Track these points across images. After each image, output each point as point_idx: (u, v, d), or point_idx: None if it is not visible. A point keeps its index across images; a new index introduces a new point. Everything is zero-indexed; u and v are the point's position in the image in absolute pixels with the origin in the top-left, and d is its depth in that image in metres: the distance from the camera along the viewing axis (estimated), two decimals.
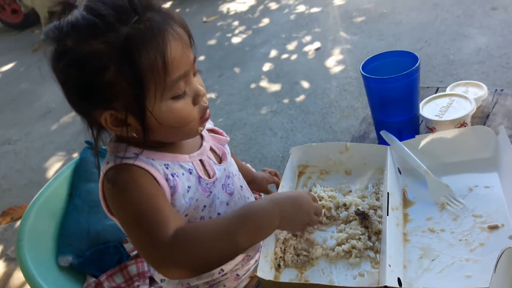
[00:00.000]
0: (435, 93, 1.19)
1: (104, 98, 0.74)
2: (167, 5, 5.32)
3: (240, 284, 1.02)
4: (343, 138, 2.52)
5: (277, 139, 2.70)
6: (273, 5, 4.75)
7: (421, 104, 1.10)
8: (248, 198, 0.99)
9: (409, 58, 1.01)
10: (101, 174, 0.82)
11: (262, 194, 1.27)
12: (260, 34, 4.18)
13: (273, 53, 3.77)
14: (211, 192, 0.88)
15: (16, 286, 2.15)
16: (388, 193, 0.86)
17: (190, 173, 0.86)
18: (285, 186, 0.98)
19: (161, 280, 1.00)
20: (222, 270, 0.95)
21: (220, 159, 0.96)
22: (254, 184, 1.19)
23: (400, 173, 0.99)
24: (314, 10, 4.35)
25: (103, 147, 0.86)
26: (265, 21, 4.45)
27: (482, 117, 1.13)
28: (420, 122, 1.13)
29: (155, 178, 0.80)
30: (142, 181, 0.78)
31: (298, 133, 2.70)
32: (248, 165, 1.41)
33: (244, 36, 4.27)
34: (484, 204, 0.87)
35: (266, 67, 3.58)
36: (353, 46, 3.45)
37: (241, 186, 0.98)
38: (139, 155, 0.80)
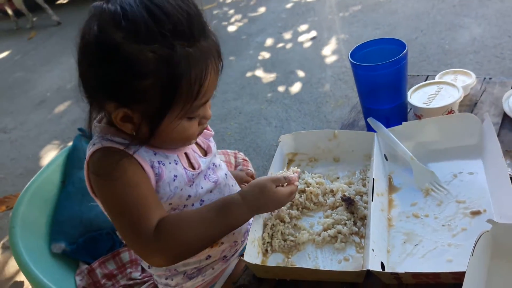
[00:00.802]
0: (425, 81, 1.20)
1: (129, 99, 0.75)
2: None
3: (229, 266, 1.03)
4: (337, 128, 2.51)
5: (272, 128, 2.70)
6: None
7: (409, 92, 1.11)
8: (232, 185, 1.00)
9: (398, 46, 1.02)
10: (87, 155, 0.82)
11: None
12: (256, 22, 4.17)
13: (269, 42, 3.77)
14: (193, 182, 0.90)
15: (12, 274, 2.16)
16: (373, 179, 0.87)
17: (176, 164, 0.87)
18: (273, 174, 0.99)
19: (149, 267, 1.01)
20: (209, 256, 0.97)
21: (205, 152, 0.98)
22: None
23: (387, 159, 1.01)
24: None
25: None
26: (261, 9, 4.43)
27: (470, 105, 1.14)
28: (408, 110, 1.13)
29: (140, 165, 0.81)
30: (127, 167, 0.79)
31: (293, 122, 2.70)
32: (241, 154, 1.42)
33: (240, 24, 4.25)
34: (468, 190, 0.88)
35: (262, 56, 3.58)
36: (349, 35, 3.45)
37: (226, 174, 1.00)
38: (130, 147, 0.81)
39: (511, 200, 0.75)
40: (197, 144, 0.96)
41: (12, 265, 2.19)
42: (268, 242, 0.89)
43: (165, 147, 0.86)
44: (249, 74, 3.36)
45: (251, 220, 0.88)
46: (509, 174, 0.80)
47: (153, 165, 0.82)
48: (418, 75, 1.31)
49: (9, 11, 5.61)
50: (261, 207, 0.86)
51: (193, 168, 0.91)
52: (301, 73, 3.18)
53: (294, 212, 0.94)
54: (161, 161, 0.84)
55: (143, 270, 1.27)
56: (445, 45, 3.00)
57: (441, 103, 1.05)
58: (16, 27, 5.70)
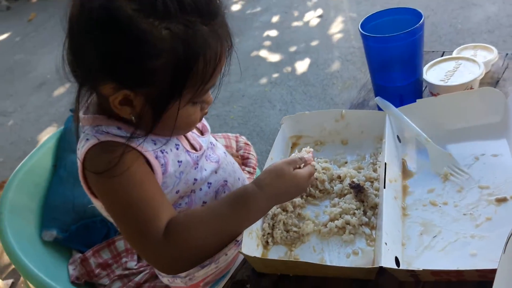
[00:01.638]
0: (441, 57, 1.10)
1: (135, 81, 0.66)
2: None
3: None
4: None
5: (276, 111, 2.62)
6: None
7: (425, 68, 1.02)
8: (233, 163, 0.94)
9: (413, 16, 0.93)
10: (81, 152, 0.72)
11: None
12: (261, 1, 4.04)
13: (274, 20, 3.65)
14: (197, 164, 0.82)
15: (5, 263, 2.12)
16: (385, 163, 0.79)
17: (177, 148, 0.79)
18: (275, 159, 0.91)
19: None
20: None
21: (201, 132, 0.91)
22: None
23: (400, 141, 0.92)
24: None
25: None
26: None
27: (491, 83, 1.04)
28: (424, 88, 1.04)
29: (145, 158, 0.72)
30: (131, 163, 0.70)
31: (298, 105, 2.61)
32: (243, 137, 1.34)
33: (243, 3, 4.13)
34: (492, 174, 0.79)
35: (266, 36, 3.47)
36: (357, 14, 3.33)
37: (224, 152, 0.93)
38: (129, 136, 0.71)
39: None
40: None
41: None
42: (268, 233, 0.81)
43: (164, 134, 0.77)
44: (253, 54, 3.26)
45: None
46: None
47: (157, 155, 0.74)
48: (433, 51, 1.21)
49: None
50: (282, 195, 0.77)
51: (195, 149, 0.84)
52: (306, 54, 3.07)
53: (297, 200, 0.86)
54: (164, 150, 0.76)
55: (139, 259, 1.22)
56: (458, 24, 2.88)
57: (460, 80, 0.96)
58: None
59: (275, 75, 2.95)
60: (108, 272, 1.20)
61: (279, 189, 0.75)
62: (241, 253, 0.70)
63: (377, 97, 0.95)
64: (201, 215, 0.72)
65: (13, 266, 2.04)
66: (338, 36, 3.17)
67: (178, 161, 0.78)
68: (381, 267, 0.63)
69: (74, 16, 0.66)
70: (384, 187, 0.75)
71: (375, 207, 0.80)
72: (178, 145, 0.80)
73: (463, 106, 0.90)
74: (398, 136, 0.92)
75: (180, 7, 0.63)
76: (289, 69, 2.98)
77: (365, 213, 0.80)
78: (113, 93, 0.67)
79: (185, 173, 0.79)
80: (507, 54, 1.12)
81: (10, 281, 2.00)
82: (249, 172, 1.21)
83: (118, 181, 0.69)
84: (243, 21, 3.79)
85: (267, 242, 0.80)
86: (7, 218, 1.09)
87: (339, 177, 0.89)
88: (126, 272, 1.19)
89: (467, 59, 1.02)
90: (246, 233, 0.73)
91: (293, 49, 3.18)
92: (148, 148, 0.73)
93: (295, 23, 3.52)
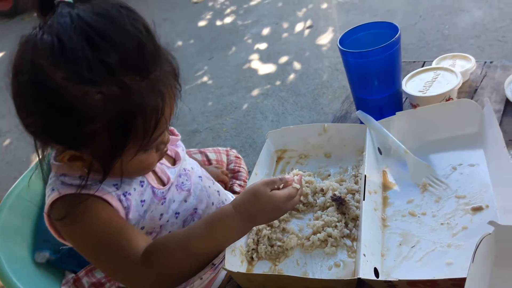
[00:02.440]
0: (421, 67, 1.12)
1: (76, 143, 0.66)
2: None
3: (219, 275, 0.96)
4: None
5: (268, 122, 2.64)
6: None
7: (404, 80, 1.03)
8: (209, 187, 0.94)
9: (390, 30, 0.94)
10: (46, 204, 0.74)
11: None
12: (252, 13, 4.09)
13: (265, 32, 3.69)
14: (165, 198, 0.83)
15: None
16: (365, 175, 0.80)
17: (142, 186, 0.80)
18: (259, 174, 0.93)
19: None
20: None
21: (174, 161, 0.90)
22: None
23: (381, 153, 0.93)
24: None
25: None
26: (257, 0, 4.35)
27: (469, 91, 1.06)
28: (404, 99, 1.06)
29: (106, 201, 0.74)
30: (93, 206, 0.72)
31: (289, 115, 2.63)
32: (233, 151, 1.35)
33: (235, 16, 4.17)
34: (468, 183, 0.81)
35: (257, 47, 3.50)
36: (346, 23, 3.36)
37: (200, 177, 0.93)
38: (89, 184, 0.72)
39: None
40: None
41: None
42: (253, 249, 0.82)
43: (128, 177, 0.78)
44: (244, 67, 3.29)
45: None
46: None
47: (120, 198, 0.75)
48: (414, 62, 1.23)
49: None
50: (256, 216, 0.75)
51: (163, 183, 0.84)
52: (297, 64, 3.10)
53: None
54: (127, 192, 0.77)
55: None
56: (445, 30, 2.91)
57: (438, 91, 0.98)
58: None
59: (267, 87, 2.98)
60: None
61: (254, 210, 0.74)
62: (225, 269, 0.71)
63: (358, 111, 0.97)
64: (178, 236, 0.74)
65: None
66: (328, 46, 3.20)
67: (141, 201, 0.78)
68: (359, 279, 0.65)
69: (11, 82, 0.66)
70: (364, 199, 0.77)
71: (356, 219, 0.82)
72: (143, 181, 0.80)
73: (441, 117, 0.92)
74: (379, 148, 0.94)
75: (109, 70, 0.60)
76: (281, 79, 3.00)
77: (346, 225, 0.81)
78: (61, 151, 0.69)
79: (149, 211, 0.80)
80: (485, 62, 1.14)
81: None
82: (240, 185, 1.22)
83: (84, 223, 0.71)
84: (235, 34, 3.83)
85: (252, 258, 0.81)
86: None
87: (322, 190, 0.90)
88: None
89: (445, 69, 1.04)
90: (228, 250, 0.75)
91: (284, 60, 3.21)
92: (109, 190, 0.74)
93: (285, 34, 3.56)
